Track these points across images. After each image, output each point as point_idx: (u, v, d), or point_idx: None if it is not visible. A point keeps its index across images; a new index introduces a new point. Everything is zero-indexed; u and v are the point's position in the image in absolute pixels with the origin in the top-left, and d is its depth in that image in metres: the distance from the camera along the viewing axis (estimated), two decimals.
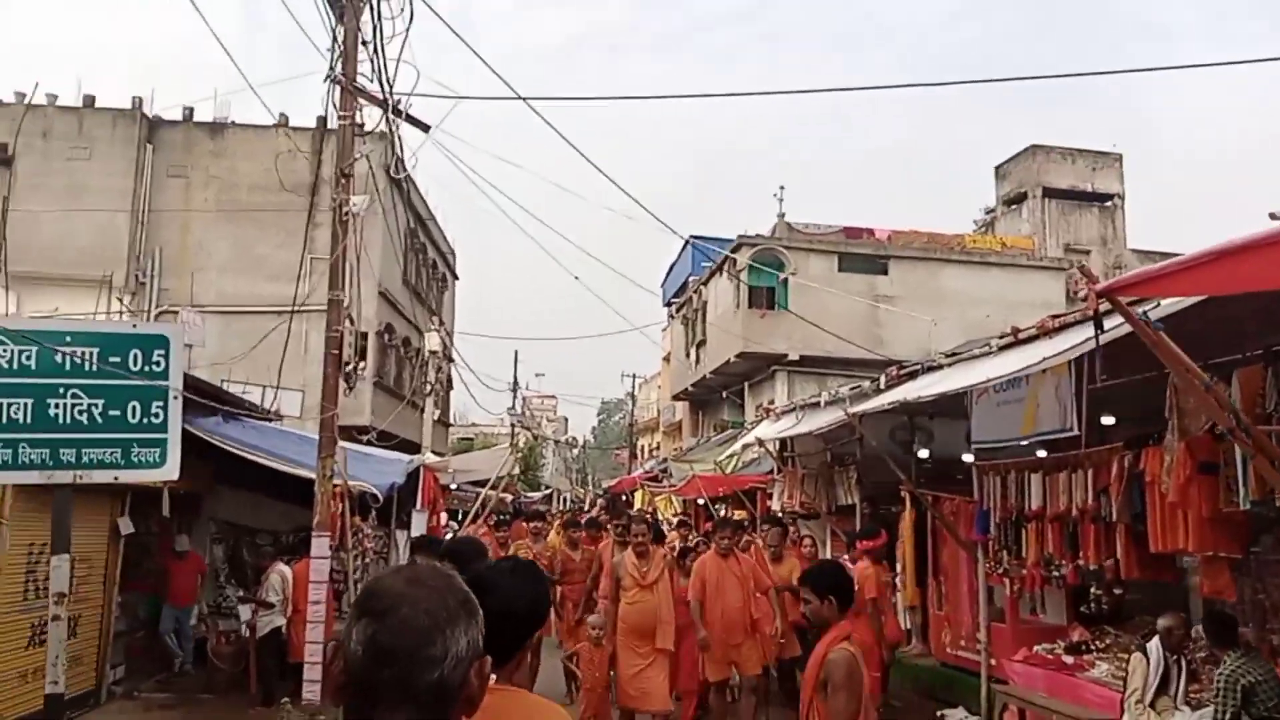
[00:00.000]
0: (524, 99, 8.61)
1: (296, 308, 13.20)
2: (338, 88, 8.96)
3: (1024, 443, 8.53)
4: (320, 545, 8.36)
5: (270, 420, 13.62)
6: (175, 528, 11.91)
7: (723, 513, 17.61)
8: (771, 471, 15.01)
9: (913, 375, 9.34)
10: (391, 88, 9.03)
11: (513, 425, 43.91)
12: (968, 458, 10.33)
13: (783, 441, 13.91)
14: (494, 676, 2.19)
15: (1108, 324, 4.44)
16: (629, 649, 7.58)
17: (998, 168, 30.91)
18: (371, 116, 9.23)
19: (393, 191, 17.47)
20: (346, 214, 8.32)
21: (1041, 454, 8.48)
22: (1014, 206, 30.23)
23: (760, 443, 11.94)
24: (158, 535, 11.58)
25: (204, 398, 11.95)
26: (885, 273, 26.32)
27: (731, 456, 14.32)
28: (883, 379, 10.03)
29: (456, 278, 36.72)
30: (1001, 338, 7.93)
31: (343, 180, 8.38)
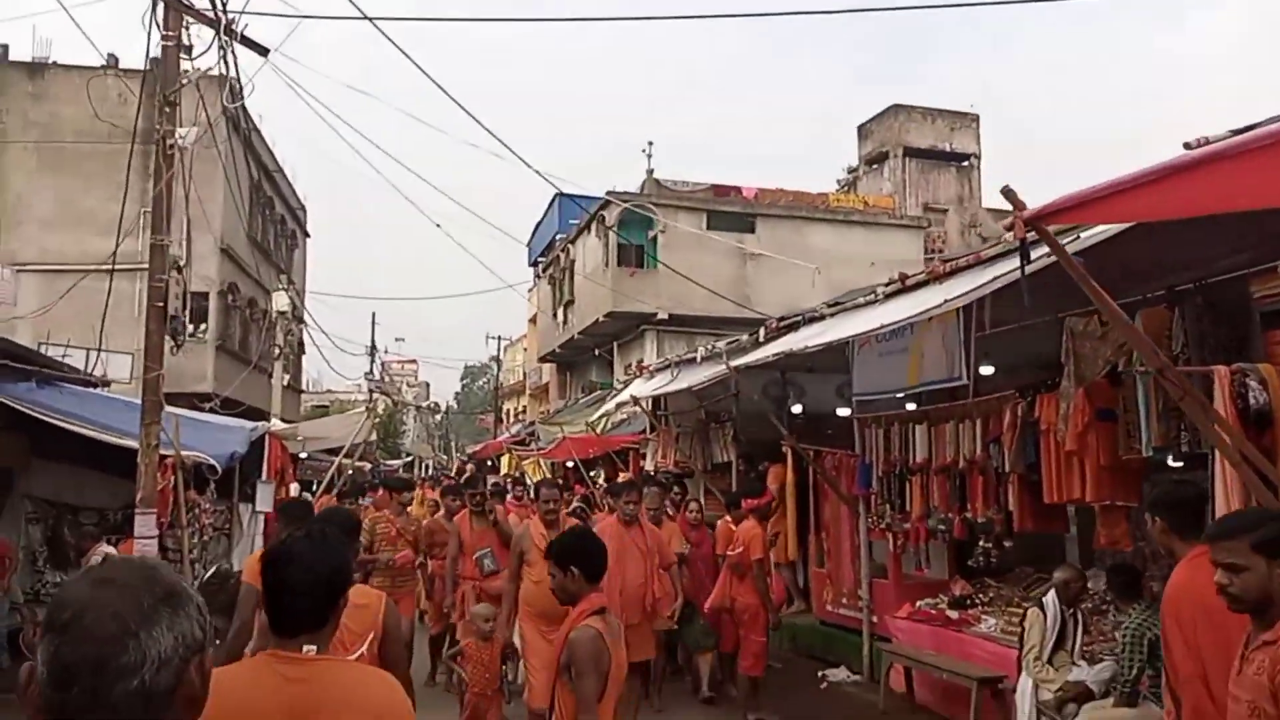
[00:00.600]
0: (370, 19, 7.74)
1: (122, 265, 11.92)
2: (162, 5, 7.88)
3: (900, 395, 8.32)
4: (145, 524, 7.39)
5: (95, 386, 12.31)
6: None
7: (599, 477, 17.14)
8: (644, 431, 14.59)
9: (793, 327, 8.98)
10: (225, 5, 8.01)
11: (370, 391, 42.30)
12: (844, 411, 10.14)
13: (656, 400, 13.50)
14: (313, 648, 2.23)
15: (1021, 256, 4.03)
16: (536, 635, 6.26)
17: (860, 127, 31.20)
18: (203, 39, 8.18)
19: (231, 136, 16.04)
20: (172, 147, 7.28)
21: (911, 406, 8.30)
22: (875, 166, 30.61)
23: (635, 400, 11.46)
24: None
25: (15, 361, 10.66)
26: (753, 230, 26.21)
27: (604, 416, 13.80)
28: (762, 331, 9.65)
29: (308, 235, 34.85)
30: (888, 284, 7.63)
31: (166, 109, 7.32)
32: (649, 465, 13.44)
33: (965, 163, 30.34)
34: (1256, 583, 2.72)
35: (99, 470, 11.06)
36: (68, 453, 10.72)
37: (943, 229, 29.24)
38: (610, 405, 13.28)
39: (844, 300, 8.51)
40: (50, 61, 23.00)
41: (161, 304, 7.14)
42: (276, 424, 12.22)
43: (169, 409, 9.23)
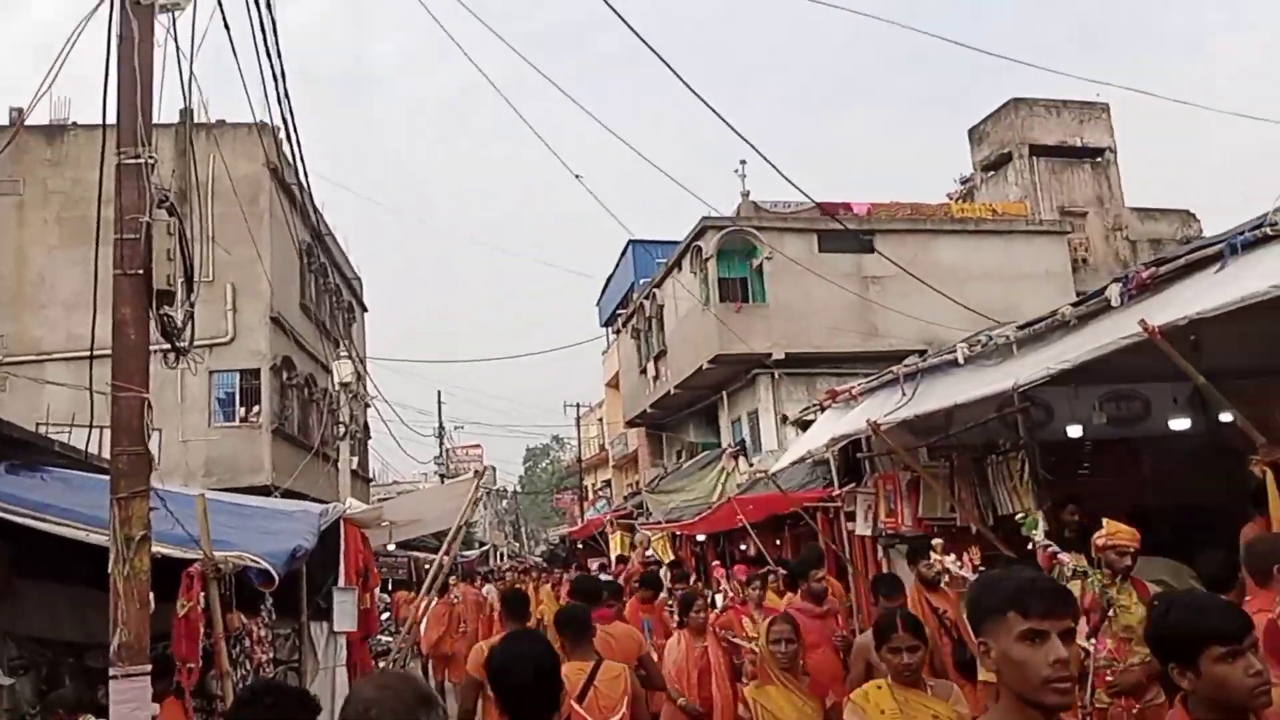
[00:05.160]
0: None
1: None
2: None
3: None
4: (127, 694, 3.85)
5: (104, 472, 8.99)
6: None
7: (746, 550, 13.44)
8: (829, 485, 10.92)
9: (1202, 265, 5.36)
10: None
11: (441, 477, 39.12)
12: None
13: (841, 443, 9.86)
14: None
15: None
16: None
17: (972, 130, 27.53)
18: None
19: (275, 186, 13.04)
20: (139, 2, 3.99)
21: None
22: (995, 171, 26.97)
23: (874, 427, 7.78)
24: None
25: None
26: (872, 250, 22.60)
27: (805, 458, 10.08)
28: (1115, 290, 6.03)
29: (365, 309, 31.98)
30: None
31: None
32: (861, 529, 9.73)
33: (1100, 158, 26.55)
34: None
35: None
36: (64, 569, 7.39)
37: (1084, 235, 25.42)
38: (819, 444, 9.58)
39: None
40: (70, 123, 20.41)
41: (141, 272, 3.72)
42: (354, 505, 8.74)
43: (183, 489, 5.87)
